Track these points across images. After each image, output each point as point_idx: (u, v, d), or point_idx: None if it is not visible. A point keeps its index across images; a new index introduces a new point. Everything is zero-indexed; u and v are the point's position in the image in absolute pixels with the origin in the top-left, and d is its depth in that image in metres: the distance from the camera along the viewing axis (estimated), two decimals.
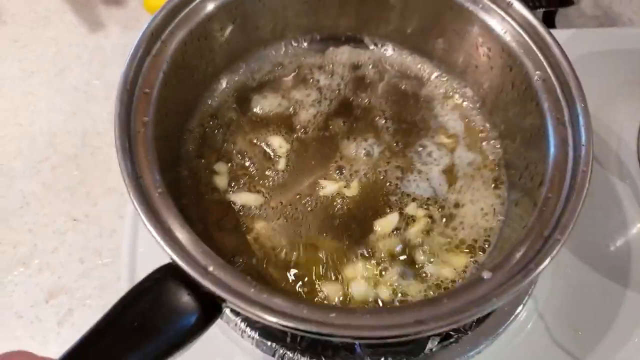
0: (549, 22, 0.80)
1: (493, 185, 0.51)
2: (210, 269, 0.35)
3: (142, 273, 0.39)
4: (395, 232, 0.49)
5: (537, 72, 0.45)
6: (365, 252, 0.48)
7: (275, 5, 0.54)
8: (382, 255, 0.48)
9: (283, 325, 0.33)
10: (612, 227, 0.60)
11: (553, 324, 0.53)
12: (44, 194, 0.67)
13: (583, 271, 0.56)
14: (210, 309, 0.36)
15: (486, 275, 0.37)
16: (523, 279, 0.36)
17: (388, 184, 0.52)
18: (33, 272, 0.62)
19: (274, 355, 0.46)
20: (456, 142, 0.54)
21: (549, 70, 0.45)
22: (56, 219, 0.66)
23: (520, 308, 0.50)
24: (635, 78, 0.69)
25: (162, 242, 0.36)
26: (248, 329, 0.48)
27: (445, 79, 0.57)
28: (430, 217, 0.49)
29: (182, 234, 0.37)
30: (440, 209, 0.50)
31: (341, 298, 0.46)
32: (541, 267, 0.36)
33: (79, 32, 0.82)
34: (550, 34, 0.46)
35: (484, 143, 0.53)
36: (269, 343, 0.46)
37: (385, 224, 0.49)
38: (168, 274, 0.36)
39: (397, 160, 0.53)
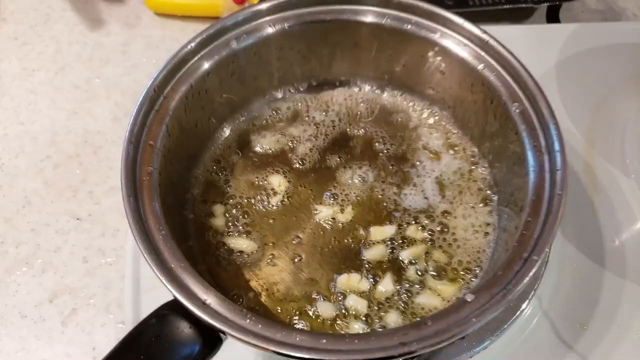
0: (553, 16, 0.79)
1: (485, 211, 0.53)
2: (209, 302, 0.39)
3: (145, 272, 0.40)
4: (389, 243, 0.52)
5: (515, 104, 0.48)
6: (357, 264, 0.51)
7: (270, 58, 0.57)
8: (370, 266, 0.51)
9: (277, 353, 0.36)
10: (616, 222, 0.59)
11: (558, 319, 0.53)
12: (47, 193, 0.67)
13: (588, 266, 0.56)
14: (211, 340, 0.40)
15: (469, 297, 0.39)
16: (502, 299, 0.38)
17: (385, 202, 0.55)
18: (36, 272, 0.62)
19: None
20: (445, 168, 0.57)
21: (524, 101, 0.48)
22: (59, 218, 0.66)
23: (525, 304, 0.51)
24: (639, 72, 0.69)
25: (163, 280, 0.39)
26: None
27: (435, 114, 0.60)
28: (431, 241, 0.52)
29: (182, 272, 0.40)
30: (438, 232, 0.53)
31: (336, 313, 0.49)
32: (519, 287, 0.39)
33: (80, 30, 0.81)
34: (524, 67, 0.48)
35: (474, 171, 0.56)
36: None
37: (380, 232, 0.52)
38: (172, 309, 0.40)
39: (392, 179, 0.56)
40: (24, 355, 0.57)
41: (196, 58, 0.52)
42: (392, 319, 0.48)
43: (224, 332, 0.38)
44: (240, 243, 0.53)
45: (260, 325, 0.38)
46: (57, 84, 0.76)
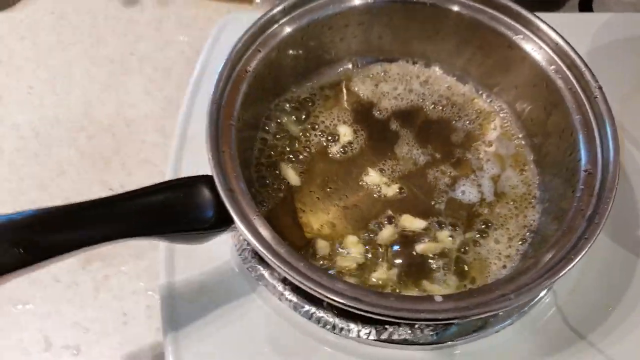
0: (586, 6, 0.79)
1: (517, 247, 0.54)
2: (234, 189, 0.44)
3: None
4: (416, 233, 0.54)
5: (588, 165, 0.49)
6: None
7: (400, 26, 0.59)
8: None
9: (260, 252, 0.42)
10: None
11: (578, 308, 0.53)
12: (81, 163, 0.69)
13: (619, 255, 0.56)
14: (223, 220, 0.45)
15: (437, 298, 0.41)
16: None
17: (436, 187, 0.57)
18: None
19: (310, 319, 0.50)
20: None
21: (599, 166, 0.48)
22: (92, 187, 0.67)
23: (544, 292, 0.52)
24: None
25: (210, 155, 0.45)
26: (287, 293, 0.50)
27: (519, 143, 0.60)
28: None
29: (228, 158, 0.46)
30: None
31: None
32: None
33: (115, 5, 0.83)
34: (616, 139, 0.48)
35: (530, 208, 0.56)
36: (307, 307, 0.50)
37: (409, 222, 0.54)
38: (206, 181, 0.45)
39: (450, 167, 0.58)
40: (58, 318, 0.59)
41: (282, 21, 0.54)
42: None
43: (232, 218, 0.43)
44: (288, 173, 0.56)
45: (261, 226, 0.43)
46: (92, 57, 0.78)
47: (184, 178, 0.46)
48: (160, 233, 0.44)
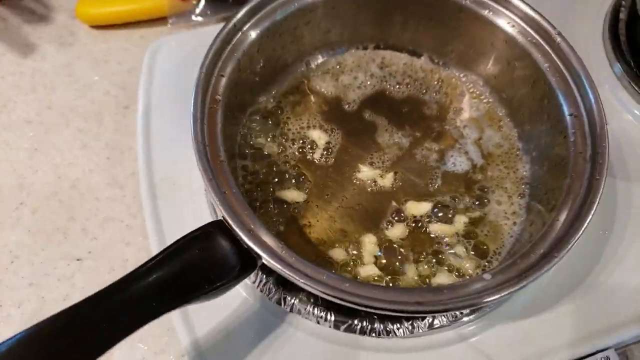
0: None
1: (519, 202, 0.55)
2: (253, 228, 0.42)
3: None
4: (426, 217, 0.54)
5: (571, 109, 0.50)
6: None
7: (346, 14, 0.59)
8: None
9: (305, 285, 0.40)
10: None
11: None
12: (33, 242, 0.62)
13: None
14: (248, 262, 0.42)
15: (487, 276, 0.42)
16: (517, 283, 0.41)
17: (427, 165, 0.57)
18: None
19: (354, 332, 0.50)
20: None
21: (581, 107, 0.49)
22: (56, 264, 0.61)
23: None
24: None
25: (217, 201, 0.42)
26: (323, 314, 0.50)
27: (491, 102, 0.61)
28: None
29: (233, 198, 0.43)
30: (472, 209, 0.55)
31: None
32: (533, 277, 0.41)
33: (10, 60, 0.74)
34: (589, 76, 0.50)
35: (518, 162, 0.57)
36: (349, 321, 0.50)
37: (415, 207, 0.54)
38: (217, 228, 0.42)
39: (434, 141, 0.59)
40: None
41: (235, 39, 0.52)
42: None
43: (260, 257, 0.41)
44: (288, 194, 0.55)
45: (293, 258, 0.41)
46: (5, 123, 0.69)
47: (193, 232, 0.43)
48: (188, 301, 0.40)
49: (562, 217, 0.44)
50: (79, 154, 0.67)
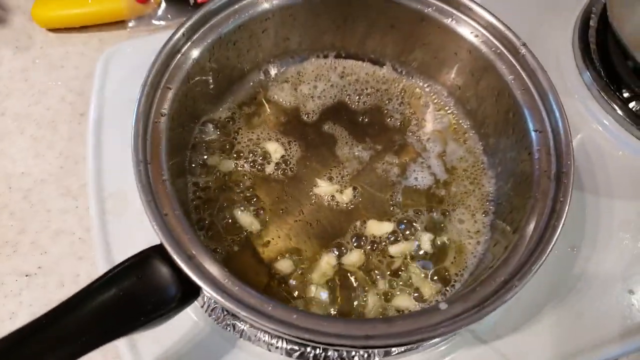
0: None
1: (483, 220, 0.53)
2: (194, 254, 0.39)
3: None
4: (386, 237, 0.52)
5: (537, 124, 0.48)
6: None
7: (305, 22, 0.56)
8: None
9: (247, 318, 0.37)
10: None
11: None
12: None
13: None
14: (189, 290, 0.40)
15: (442, 306, 0.39)
16: (474, 314, 0.38)
17: (388, 179, 0.54)
18: None
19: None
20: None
21: (546, 123, 0.47)
22: (4, 279, 0.58)
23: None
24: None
25: (154, 224, 0.40)
26: (275, 341, 0.47)
27: (455, 113, 0.59)
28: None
29: (175, 221, 0.41)
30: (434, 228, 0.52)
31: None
32: (493, 308, 0.39)
33: None
34: (555, 92, 0.48)
35: (482, 177, 0.55)
36: (301, 349, 0.47)
37: (376, 227, 0.52)
38: (157, 253, 0.40)
39: (396, 155, 0.56)
40: None
41: (185, 48, 0.49)
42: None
43: (200, 288, 0.38)
44: (241, 218, 0.52)
45: (237, 288, 0.38)
46: None
47: (132, 258, 0.40)
48: (124, 333, 0.38)
49: (525, 240, 0.42)
50: (32, 163, 0.65)
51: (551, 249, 0.41)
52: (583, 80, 0.64)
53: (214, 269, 0.39)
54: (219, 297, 0.37)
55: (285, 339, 0.46)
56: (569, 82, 0.64)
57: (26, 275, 0.58)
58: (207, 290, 0.38)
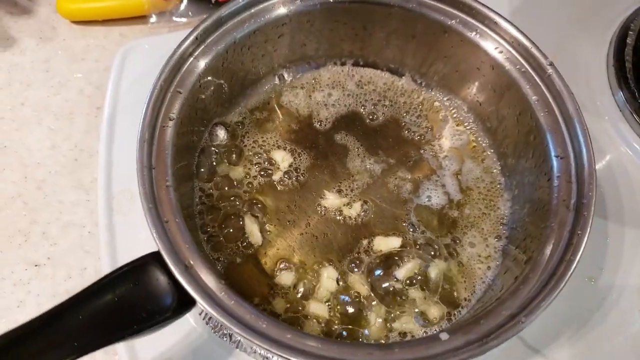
0: None
1: (495, 245, 0.51)
2: (192, 265, 0.39)
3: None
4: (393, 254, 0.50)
5: (558, 149, 0.45)
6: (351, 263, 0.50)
7: (323, 28, 0.55)
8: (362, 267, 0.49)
9: (240, 334, 0.36)
10: (598, 166, 0.58)
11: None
12: None
13: None
14: (185, 299, 0.38)
15: (443, 336, 0.37)
16: (476, 349, 0.36)
17: (399, 200, 0.52)
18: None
19: None
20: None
21: (569, 149, 0.45)
22: (14, 268, 0.59)
23: None
24: (592, 12, 0.67)
25: (153, 231, 0.39)
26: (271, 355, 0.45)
27: (475, 130, 0.56)
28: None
29: (175, 228, 0.40)
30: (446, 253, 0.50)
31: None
32: (495, 343, 0.37)
33: None
34: (581, 117, 0.45)
35: (498, 199, 0.53)
36: None
37: (384, 243, 0.50)
38: (155, 260, 0.39)
39: (404, 173, 0.54)
40: None
41: (197, 52, 0.48)
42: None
43: (195, 301, 0.38)
44: (248, 228, 0.51)
45: (232, 302, 0.38)
46: None
47: (129, 263, 0.40)
48: (118, 339, 0.37)
49: (537, 273, 0.40)
50: (48, 153, 0.65)
51: (564, 286, 0.38)
52: (615, 101, 0.60)
53: (210, 280, 0.38)
54: (212, 311, 0.37)
55: None
56: (600, 101, 0.61)
57: (35, 265, 0.59)
58: (200, 303, 0.37)
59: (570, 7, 0.68)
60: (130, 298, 0.38)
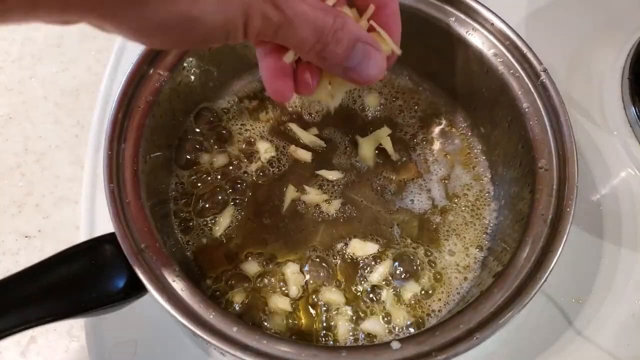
0: None
1: (475, 255, 0.49)
2: (145, 248, 0.38)
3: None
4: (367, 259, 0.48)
5: (542, 160, 0.43)
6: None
7: None
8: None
9: (185, 326, 0.36)
10: (601, 183, 0.56)
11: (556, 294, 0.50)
12: None
13: (578, 236, 0.52)
14: (138, 284, 0.38)
15: (395, 345, 0.36)
16: None
17: (381, 201, 0.51)
18: None
19: None
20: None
21: (554, 161, 0.43)
22: (5, 237, 0.60)
23: None
24: (613, 21, 0.64)
25: (111, 211, 0.39)
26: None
27: (466, 134, 0.54)
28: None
29: (137, 210, 0.40)
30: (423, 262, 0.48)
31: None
32: (444, 357, 0.35)
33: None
34: (570, 129, 0.43)
35: (485, 208, 0.51)
36: None
37: (360, 247, 0.48)
38: (114, 239, 0.39)
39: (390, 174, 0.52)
40: None
41: None
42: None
43: (145, 288, 0.37)
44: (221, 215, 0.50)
45: (182, 289, 0.37)
46: None
47: (90, 240, 0.40)
48: (65, 316, 0.37)
49: (502, 288, 0.38)
50: (50, 127, 0.66)
51: (524, 306, 0.36)
52: (626, 116, 0.57)
53: (164, 266, 0.38)
54: (158, 297, 0.36)
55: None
56: (610, 115, 0.58)
57: (26, 237, 0.60)
58: (148, 287, 0.37)
59: (592, 14, 0.64)
60: (85, 276, 0.38)
